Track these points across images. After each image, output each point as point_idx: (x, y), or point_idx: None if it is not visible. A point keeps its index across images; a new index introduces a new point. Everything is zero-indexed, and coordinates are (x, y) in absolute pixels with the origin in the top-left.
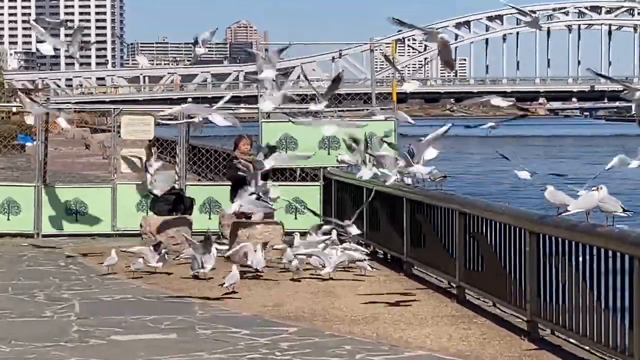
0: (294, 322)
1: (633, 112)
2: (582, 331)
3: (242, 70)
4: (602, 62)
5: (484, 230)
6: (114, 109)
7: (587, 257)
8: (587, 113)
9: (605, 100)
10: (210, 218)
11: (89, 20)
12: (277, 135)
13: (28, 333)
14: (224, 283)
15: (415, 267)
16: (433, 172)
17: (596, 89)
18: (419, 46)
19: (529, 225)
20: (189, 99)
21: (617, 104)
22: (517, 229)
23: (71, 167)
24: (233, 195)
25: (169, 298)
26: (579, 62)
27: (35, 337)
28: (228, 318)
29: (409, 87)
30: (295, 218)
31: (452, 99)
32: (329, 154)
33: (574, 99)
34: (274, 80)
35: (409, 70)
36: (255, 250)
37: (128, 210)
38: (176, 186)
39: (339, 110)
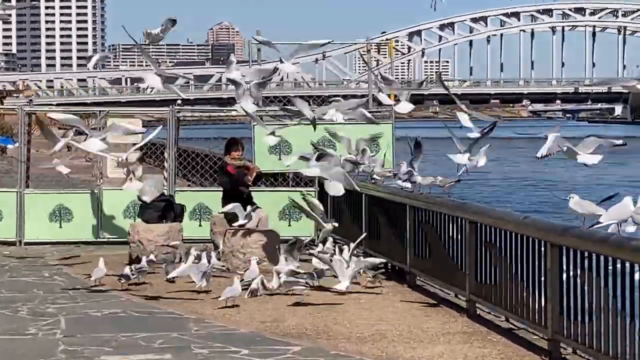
0: (296, 339)
1: (615, 115)
2: (608, 351)
3: (224, 72)
4: (587, 64)
5: (499, 241)
6: (100, 111)
7: (615, 271)
8: (570, 115)
9: (589, 102)
10: (200, 225)
11: (69, 22)
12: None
13: (11, 352)
14: (221, 296)
15: (419, 278)
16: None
17: (580, 91)
18: (402, 47)
19: (551, 237)
20: (178, 101)
21: (599, 105)
22: (538, 240)
23: (54, 171)
24: (225, 202)
25: (161, 313)
26: (562, 64)
27: (18, 357)
28: (225, 335)
29: (404, 108)
30: (289, 225)
31: (434, 101)
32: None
33: (557, 101)
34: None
35: (392, 72)
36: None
37: (114, 217)
38: (166, 192)
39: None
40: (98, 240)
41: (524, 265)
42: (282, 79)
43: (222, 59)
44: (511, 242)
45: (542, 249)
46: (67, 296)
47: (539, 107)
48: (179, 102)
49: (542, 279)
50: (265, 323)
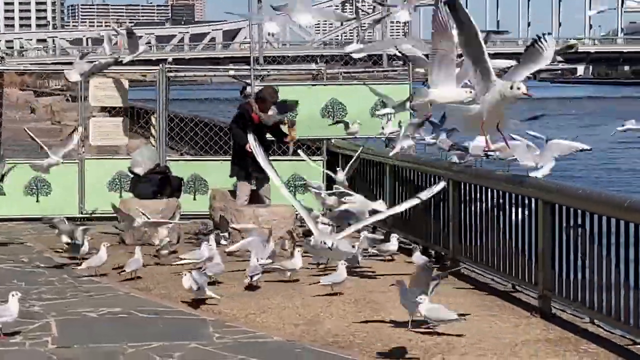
0: (346, 351)
1: (578, 75)
2: None
3: (187, 32)
4: (553, 24)
5: (589, 227)
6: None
7: None
8: (531, 75)
9: (556, 62)
10: (195, 199)
11: None
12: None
13: None
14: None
15: (465, 266)
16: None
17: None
18: (369, 8)
19: None
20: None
21: (560, 65)
22: None
23: (23, 135)
24: (234, 168)
25: (171, 312)
26: (529, 24)
27: None
28: (256, 345)
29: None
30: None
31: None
32: (333, 123)
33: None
34: None
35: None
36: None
37: (98, 189)
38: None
39: (345, 73)
40: (81, 215)
41: (622, 258)
42: (245, 38)
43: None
44: (603, 227)
45: None
46: (54, 289)
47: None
48: (170, 60)
49: None
50: (298, 326)
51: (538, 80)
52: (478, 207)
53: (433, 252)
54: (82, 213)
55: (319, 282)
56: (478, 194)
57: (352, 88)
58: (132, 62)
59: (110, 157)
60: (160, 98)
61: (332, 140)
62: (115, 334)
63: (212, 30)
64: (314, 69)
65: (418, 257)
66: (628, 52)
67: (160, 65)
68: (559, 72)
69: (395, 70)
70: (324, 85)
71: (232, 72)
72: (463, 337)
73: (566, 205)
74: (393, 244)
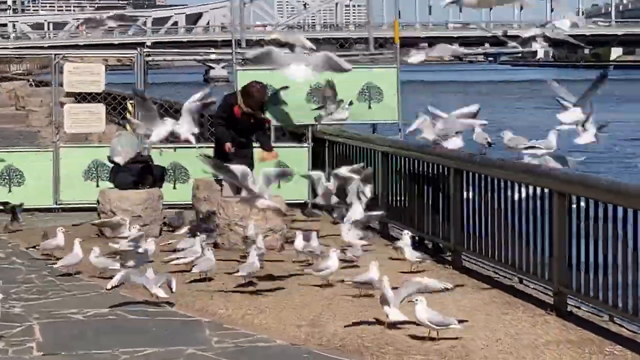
0: (356, 356)
1: (538, 58)
2: None
3: (150, 16)
4: (515, 7)
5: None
6: (55, 54)
7: None
8: (492, 58)
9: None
10: (175, 188)
11: None
12: None
13: None
14: (238, 271)
15: (466, 257)
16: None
17: (509, 34)
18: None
19: None
20: (147, 43)
21: (520, 48)
22: None
23: None
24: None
25: (163, 314)
26: (490, 7)
27: None
28: (259, 350)
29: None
30: (279, 187)
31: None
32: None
33: (486, 44)
34: None
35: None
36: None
37: (74, 179)
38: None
39: None
40: (56, 206)
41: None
42: (208, 23)
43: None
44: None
45: None
46: (34, 287)
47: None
48: (148, 44)
49: None
50: (301, 328)
51: (499, 63)
52: (482, 197)
53: (430, 243)
54: (57, 204)
55: (314, 273)
56: (483, 183)
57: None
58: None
59: (87, 145)
60: (138, 83)
61: (318, 126)
62: (104, 339)
63: (175, 14)
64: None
65: (410, 253)
66: (591, 35)
67: (138, 49)
68: (520, 55)
69: (382, 54)
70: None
71: (213, 56)
72: (479, 339)
73: (585, 196)
74: (332, 259)
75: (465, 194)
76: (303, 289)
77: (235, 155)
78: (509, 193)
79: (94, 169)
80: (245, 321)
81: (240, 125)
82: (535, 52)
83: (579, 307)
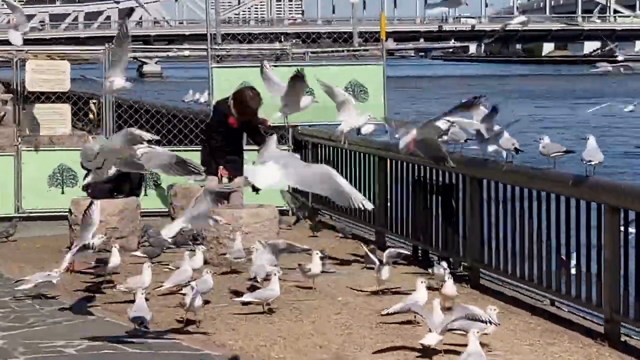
0: None
1: (470, 53)
2: None
3: (82, 11)
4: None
5: None
6: (17, 50)
7: None
8: (423, 53)
9: (453, 41)
10: (146, 194)
11: None
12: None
13: None
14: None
15: (485, 277)
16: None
17: (444, 29)
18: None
19: None
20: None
21: (451, 43)
22: None
23: None
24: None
25: (166, 347)
26: (425, 2)
27: None
28: None
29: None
30: (257, 192)
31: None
32: None
33: (421, 40)
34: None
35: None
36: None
37: (37, 185)
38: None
39: (312, 52)
40: (18, 215)
41: None
42: (141, 18)
43: None
44: None
45: None
46: (12, 313)
47: (392, 45)
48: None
49: None
50: (324, 358)
51: (430, 58)
52: (509, 210)
53: (437, 257)
54: (18, 212)
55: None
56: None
57: (321, 69)
58: (73, 42)
59: (52, 148)
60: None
61: (299, 128)
62: None
63: (108, 8)
64: (277, 49)
65: (450, 287)
66: (524, 31)
67: (106, 44)
68: (451, 50)
69: (367, 50)
70: (289, 66)
71: (187, 52)
72: None
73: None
74: (316, 264)
75: (485, 205)
76: (308, 311)
77: (226, 162)
78: (551, 206)
79: (59, 174)
80: (260, 355)
81: (235, 134)
82: (467, 47)
83: (629, 336)
